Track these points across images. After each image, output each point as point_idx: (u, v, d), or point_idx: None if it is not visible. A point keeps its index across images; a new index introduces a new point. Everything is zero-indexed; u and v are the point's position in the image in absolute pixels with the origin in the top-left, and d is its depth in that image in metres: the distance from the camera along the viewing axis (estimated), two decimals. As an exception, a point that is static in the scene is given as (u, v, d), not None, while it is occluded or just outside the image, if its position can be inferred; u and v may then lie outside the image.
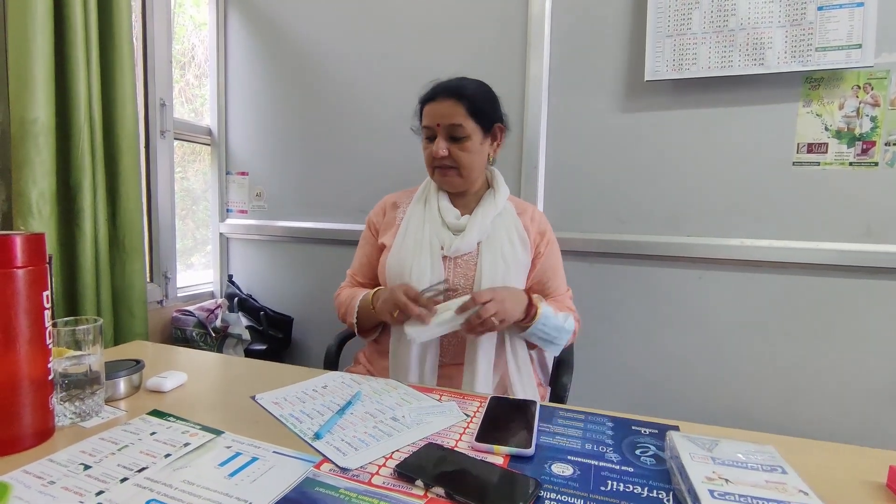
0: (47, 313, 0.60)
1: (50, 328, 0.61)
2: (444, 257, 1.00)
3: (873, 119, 1.23)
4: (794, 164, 1.29)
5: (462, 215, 1.04)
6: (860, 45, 1.19)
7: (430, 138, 1.00)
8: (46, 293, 0.60)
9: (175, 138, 1.75)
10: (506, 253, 1.01)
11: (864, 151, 1.24)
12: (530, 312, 0.94)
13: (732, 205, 1.34)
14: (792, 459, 0.60)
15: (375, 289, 1.02)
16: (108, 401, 0.72)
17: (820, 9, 1.21)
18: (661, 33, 1.35)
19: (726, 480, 0.49)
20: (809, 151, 1.28)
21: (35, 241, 0.59)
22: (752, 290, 1.34)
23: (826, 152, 1.27)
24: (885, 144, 1.22)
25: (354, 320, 1.02)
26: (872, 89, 1.22)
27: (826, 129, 1.26)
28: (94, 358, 0.68)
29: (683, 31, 1.33)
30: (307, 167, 1.80)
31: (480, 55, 1.54)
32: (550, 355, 1.15)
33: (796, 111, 1.28)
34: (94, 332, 0.67)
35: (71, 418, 0.65)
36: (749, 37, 1.27)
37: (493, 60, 1.53)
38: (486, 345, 0.96)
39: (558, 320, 0.96)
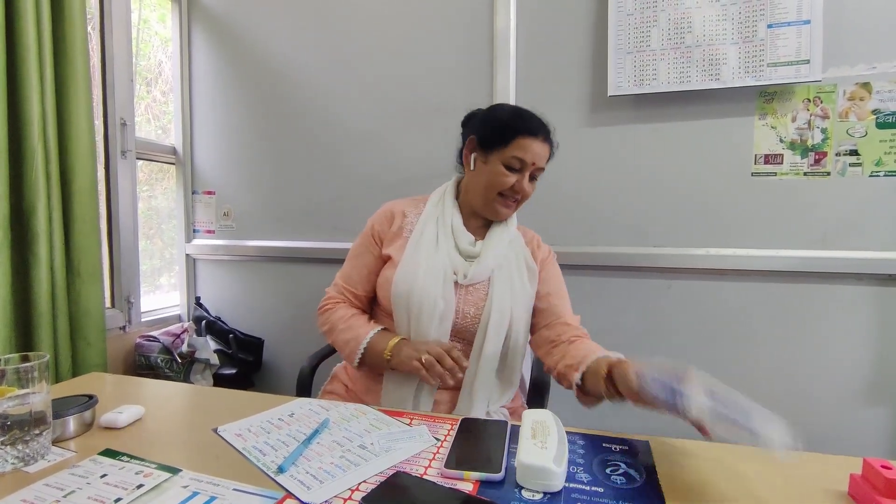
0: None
1: (-12, 368, 0.57)
2: (456, 283, 0.96)
3: (824, 131, 1.28)
4: (752, 174, 1.34)
5: (475, 240, 1.01)
6: (808, 61, 1.25)
7: (514, 169, 0.95)
8: (-16, 331, 0.56)
9: (138, 158, 1.70)
10: (515, 284, 0.99)
11: (817, 162, 1.29)
12: None
13: (696, 215, 1.38)
14: (756, 468, 0.61)
15: (395, 339, 0.92)
16: (57, 441, 0.68)
17: (769, 26, 1.27)
18: (621, 49, 1.39)
19: None
20: (766, 162, 1.33)
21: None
22: (719, 297, 1.37)
23: (782, 163, 1.32)
24: (836, 155, 1.27)
25: (358, 357, 0.94)
26: (822, 102, 1.28)
27: (781, 140, 1.31)
28: (39, 397, 0.64)
29: (643, 47, 1.37)
30: (276, 184, 1.77)
31: (448, 69, 1.56)
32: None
33: (753, 124, 1.33)
34: (38, 368, 0.64)
35: (13, 463, 0.61)
36: (705, 53, 1.32)
37: (460, 73, 1.55)
38: (486, 367, 0.94)
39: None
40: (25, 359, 0.64)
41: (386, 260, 1.02)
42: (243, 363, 1.70)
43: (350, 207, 1.68)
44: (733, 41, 1.30)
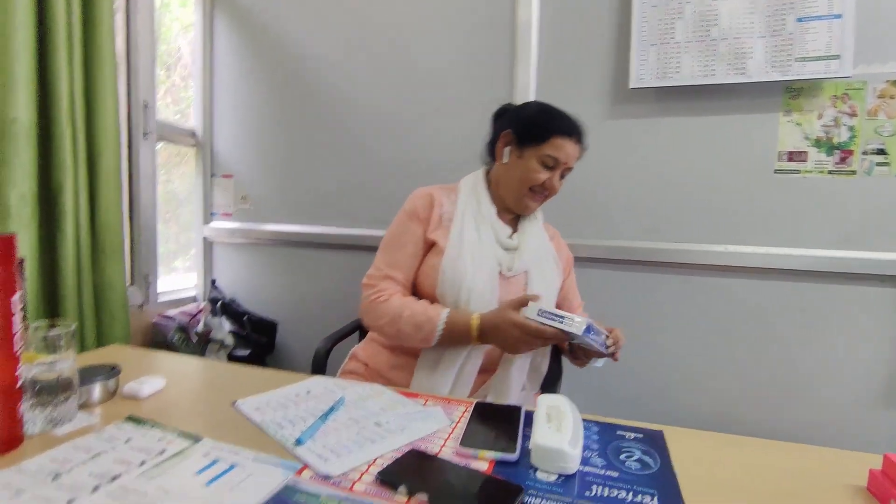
0: (16, 318, 0.58)
1: (20, 333, 0.59)
2: (500, 274, 0.99)
3: (851, 129, 1.25)
4: (775, 171, 1.32)
5: (511, 233, 1.05)
6: (838, 56, 1.22)
7: (547, 166, 0.98)
8: (15, 297, 0.58)
9: (159, 140, 1.72)
10: (547, 275, 1.05)
11: (843, 160, 1.26)
12: None
13: (715, 211, 1.36)
14: (772, 461, 0.61)
15: (475, 315, 0.90)
16: (83, 407, 0.70)
17: (799, 20, 1.24)
18: (645, 41, 1.37)
19: None
20: (790, 160, 1.30)
21: (4, 243, 0.57)
22: (736, 295, 1.35)
23: (806, 160, 1.29)
24: (863, 154, 1.25)
25: (438, 335, 0.91)
26: (850, 99, 1.25)
27: (806, 137, 1.29)
28: (67, 364, 0.66)
29: (667, 39, 1.35)
30: (294, 170, 1.78)
31: (468, 58, 1.55)
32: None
33: (777, 120, 1.31)
34: (66, 337, 0.65)
35: (42, 425, 0.63)
36: (731, 46, 1.30)
37: (481, 63, 1.54)
38: (522, 357, 0.97)
39: None
40: (53, 327, 0.66)
41: (430, 245, 1.01)
42: (257, 345, 1.72)
43: (367, 195, 1.69)
44: (761, 34, 1.28)
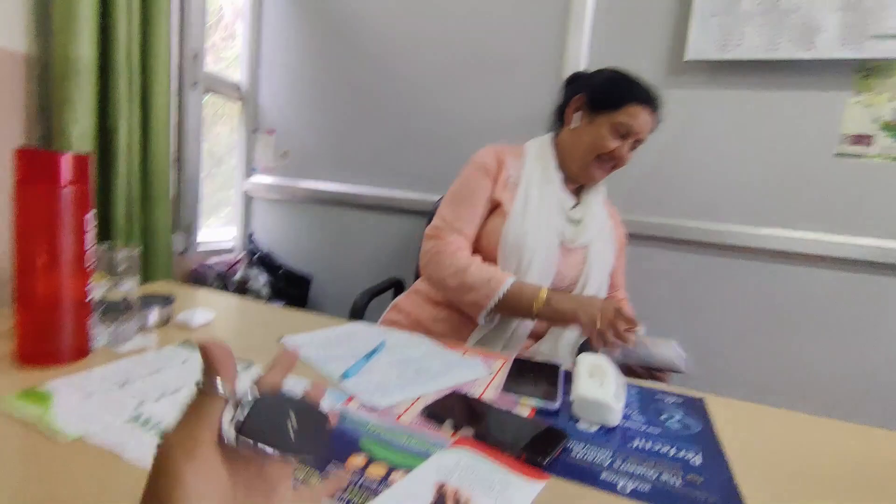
0: (89, 235, 0.61)
1: (91, 250, 0.62)
2: (561, 245, 0.97)
3: (926, 113, 1.18)
4: (836, 155, 1.25)
5: (573, 206, 1.01)
6: (920, 34, 1.14)
7: (619, 134, 0.94)
8: (90, 215, 0.61)
9: (205, 92, 1.75)
10: (605, 253, 1.03)
11: (912, 147, 1.19)
12: None
13: (768, 192, 1.31)
14: (817, 436, 0.60)
15: (543, 290, 0.87)
16: (139, 330, 0.74)
17: (881, -7, 1.16)
18: (706, 11, 1.31)
19: None
20: (854, 143, 1.24)
21: (81, 162, 0.59)
22: (783, 281, 1.31)
23: (870, 145, 1.23)
24: (935, 141, 1.18)
25: (497, 297, 0.87)
26: (927, 82, 1.17)
27: (874, 121, 1.22)
28: (130, 286, 0.69)
29: (731, 9, 1.28)
30: (336, 128, 1.79)
31: (519, 23, 1.51)
32: None
33: (844, 101, 1.24)
34: (131, 260, 0.69)
35: (106, 341, 0.67)
36: (801, 20, 1.23)
37: (531, 28, 1.49)
38: (571, 330, 0.97)
39: None
40: (119, 250, 0.69)
41: (495, 205, 0.98)
42: (290, 298, 1.77)
43: (407, 157, 1.69)
44: (835, 8, 1.20)
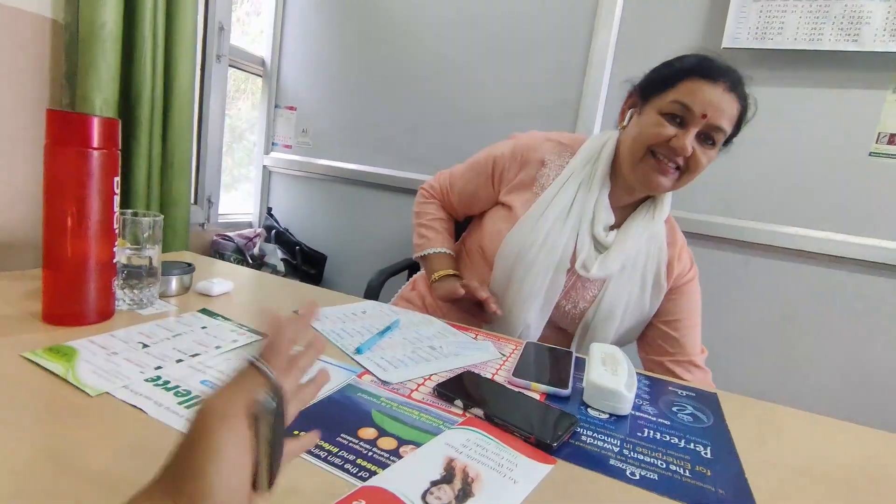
0: (116, 199, 0.62)
1: (117, 214, 0.63)
2: (569, 271, 0.84)
3: (970, 113, 1.13)
4: (870, 154, 1.21)
5: (611, 228, 0.85)
6: (972, 29, 1.08)
7: (676, 120, 0.74)
8: (117, 179, 0.62)
9: (230, 65, 1.76)
10: (632, 295, 0.85)
11: (953, 148, 1.15)
12: None
13: (793, 190, 1.28)
14: (835, 437, 0.59)
15: (447, 272, 0.93)
16: (161, 296, 0.76)
17: (934, -16, 1.10)
18: (747, -3, 1.26)
19: None
20: (891, 143, 1.19)
21: (110, 126, 0.60)
22: (802, 282, 1.28)
23: (908, 145, 1.18)
24: (979, 143, 1.13)
25: (417, 256, 1.02)
26: (975, 81, 1.12)
27: (915, 119, 1.17)
28: (152, 252, 0.70)
29: (773, -4, 1.23)
30: (357, 108, 1.78)
31: (545, 4, 1.47)
32: None
33: (884, 98, 1.19)
34: (155, 226, 0.70)
35: (129, 304, 0.69)
36: (846, 9, 1.17)
37: (558, 9, 1.46)
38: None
39: None
40: (143, 217, 0.70)
41: (496, 205, 0.93)
42: (306, 275, 1.79)
43: (426, 140, 1.68)
44: (883, -2, 1.14)
